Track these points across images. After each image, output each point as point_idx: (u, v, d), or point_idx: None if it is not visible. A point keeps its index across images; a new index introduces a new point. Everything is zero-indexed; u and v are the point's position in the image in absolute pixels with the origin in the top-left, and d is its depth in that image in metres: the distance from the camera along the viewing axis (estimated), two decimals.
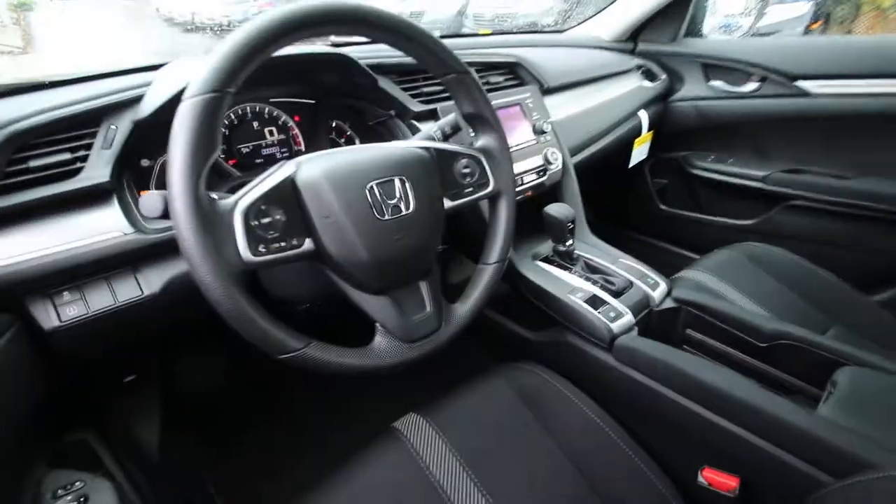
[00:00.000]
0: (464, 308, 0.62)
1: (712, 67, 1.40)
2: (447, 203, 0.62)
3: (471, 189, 0.64)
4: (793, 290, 1.02)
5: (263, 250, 0.46)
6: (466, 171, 0.63)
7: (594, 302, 0.84)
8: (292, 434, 1.15)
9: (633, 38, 1.51)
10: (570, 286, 0.87)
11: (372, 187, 0.52)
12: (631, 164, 1.44)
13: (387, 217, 0.53)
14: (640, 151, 1.44)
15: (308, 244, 0.50)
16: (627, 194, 1.67)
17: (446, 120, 0.71)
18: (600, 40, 1.50)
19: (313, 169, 0.50)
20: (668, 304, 0.89)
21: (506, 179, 0.66)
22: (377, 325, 0.55)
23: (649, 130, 1.42)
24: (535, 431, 0.71)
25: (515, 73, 1.06)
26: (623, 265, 0.94)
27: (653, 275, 0.92)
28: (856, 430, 0.57)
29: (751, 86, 1.34)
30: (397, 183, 0.54)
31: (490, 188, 0.65)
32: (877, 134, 1.20)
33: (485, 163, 0.64)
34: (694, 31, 1.49)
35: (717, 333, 0.84)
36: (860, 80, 1.16)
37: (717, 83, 1.40)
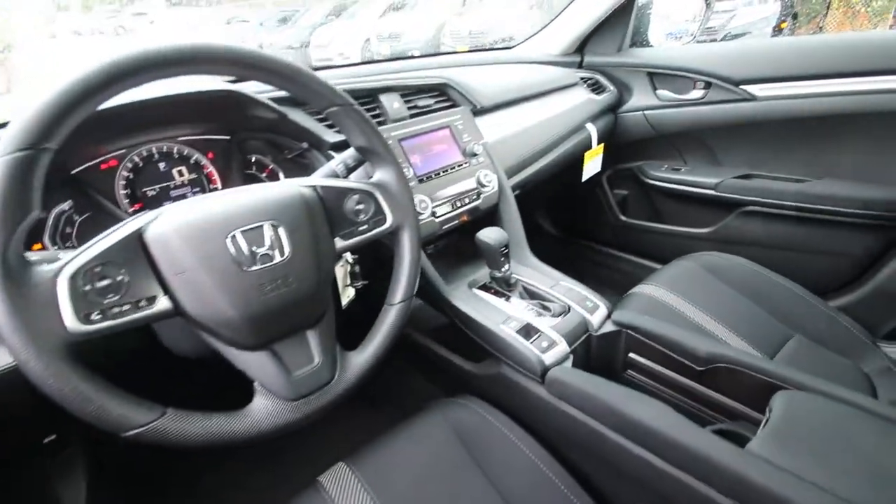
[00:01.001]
0: (362, 356, 0.57)
1: (658, 76, 1.39)
2: (339, 243, 0.58)
3: (366, 226, 0.60)
4: (751, 299, 1.00)
5: (98, 317, 0.41)
6: (359, 207, 0.59)
7: (527, 331, 0.80)
8: (218, 493, 1.09)
9: (580, 50, 1.50)
10: (505, 315, 0.83)
11: (235, 236, 0.48)
12: (584, 178, 1.42)
13: (255, 268, 0.48)
14: (592, 165, 1.42)
15: (163, 302, 0.46)
16: (588, 207, 1.65)
17: (348, 152, 0.68)
18: (548, 55, 1.49)
19: (164, 223, 0.46)
20: (609, 327, 0.85)
21: (405, 213, 0.62)
22: (255, 384, 0.50)
23: (600, 143, 1.40)
24: (469, 473, 0.67)
25: (446, 94, 1.04)
26: (563, 288, 0.90)
27: (593, 297, 0.89)
28: (788, 464, 0.54)
29: (697, 93, 1.32)
30: (267, 229, 0.50)
31: (388, 224, 0.61)
32: (824, 135, 1.19)
33: (380, 197, 0.61)
34: (639, 41, 1.48)
35: (659, 357, 0.80)
36: (804, 81, 1.15)
37: (664, 92, 1.38)
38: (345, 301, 0.78)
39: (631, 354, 0.85)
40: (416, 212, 0.64)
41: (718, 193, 1.30)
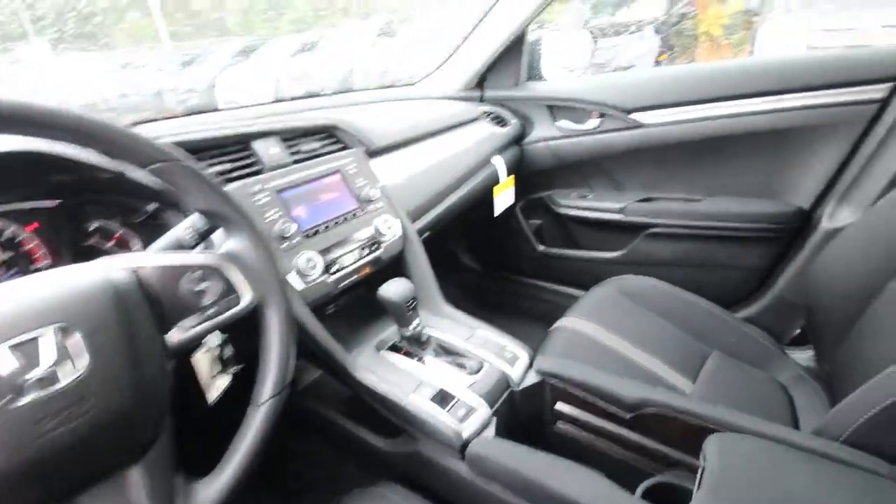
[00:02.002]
0: (213, 488, 0.44)
1: (556, 108, 1.41)
2: (175, 337, 0.45)
3: (213, 310, 0.47)
4: (668, 320, 0.99)
5: None
6: (202, 287, 0.47)
7: (443, 398, 0.70)
8: None
9: (480, 85, 1.49)
10: (417, 380, 0.73)
11: None
12: (497, 213, 1.38)
13: (24, 400, 0.34)
14: (503, 198, 1.39)
15: None
16: (507, 239, 1.62)
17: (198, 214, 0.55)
18: (449, 90, 1.47)
19: None
20: (532, 378, 0.78)
21: (267, 287, 0.51)
22: None
23: (509, 175, 1.38)
24: None
25: (335, 137, 0.94)
26: (480, 339, 0.82)
27: (512, 346, 0.81)
28: None
29: (593, 122, 1.35)
30: (48, 339, 0.36)
31: (244, 303, 0.49)
32: (711, 155, 1.25)
33: (230, 271, 0.49)
34: (534, 75, 1.50)
35: (586, 406, 0.74)
36: (683, 107, 1.21)
37: (564, 122, 1.40)
38: (214, 395, 0.63)
39: (558, 405, 0.78)
40: (282, 284, 0.53)
41: (625, 217, 1.32)
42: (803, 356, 1.13)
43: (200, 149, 0.75)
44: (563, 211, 1.45)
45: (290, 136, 0.87)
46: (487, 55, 1.39)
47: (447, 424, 0.65)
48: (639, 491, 0.63)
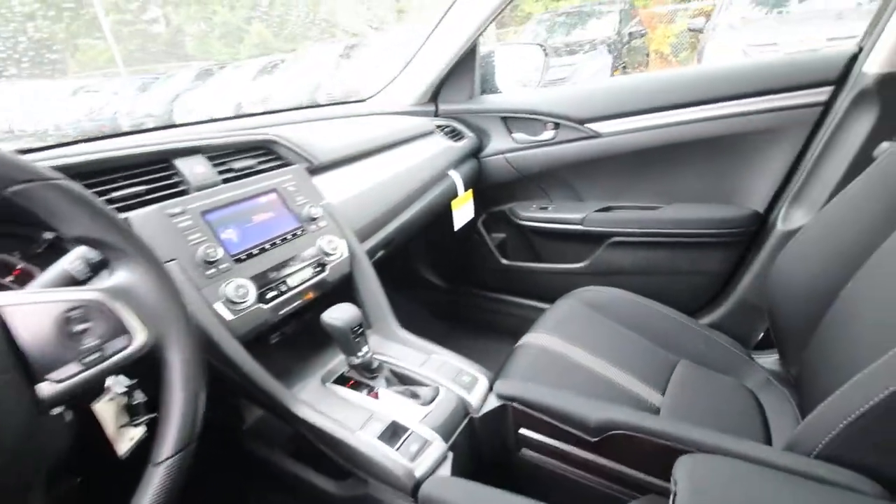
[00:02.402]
0: None
1: (511, 120, 1.39)
2: (46, 390, 0.37)
3: (96, 354, 0.40)
4: (634, 330, 0.96)
5: None
6: (83, 327, 0.39)
7: (394, 432, 0.63)
8: None
9: (434, 99, 1.46)
10: (367, 413, 0.66)
11: None
12: (457, 227, 1.34)
13: None
14: (463, 212, 1.35)
15: None
16: (470, 253, 1.57)
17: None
18: (402, 105, 1.43)
19: None
20: (492, 403, 0.72)
21: (167, 323, 0.43)
22: None
23: (467, 189, 1.35)
24: None
25: (273, 153, 0.88)
26: (435, 363, 0.76)
27: (470, 369, 0.76)
28: None
29: (548, 133, 1.34)
30: None
31: (136, 344, 0.42)
32: (666, 163, 1.25)
33: (117, 307, 0.41)
34: (489, 88, 1.49)
35: (551, 430, 0.68)
36: (637, 115, 1.21)
37: (520, 134, 1.39)
38: (124, 449, 0.54)
39: (522, 431, 0.72)
40: (186, 319, 0.45)
41: (586, 228, 1.31)
42: (769, 360, 1.11)
43: (111, 169, 0.68)
44: (524, 223, 1.42)
45: (219, 154, 0.80)
46: (439, 69, 1.37)
47: (397, 463, 0.59)
48: None
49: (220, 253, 0.66)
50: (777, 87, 1.04)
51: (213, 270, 0.65)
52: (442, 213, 1.30)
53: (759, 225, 1.14)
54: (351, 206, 0.92)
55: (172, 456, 0.41)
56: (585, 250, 1.35)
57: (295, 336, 0.86)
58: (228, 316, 0.65)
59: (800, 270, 0.79)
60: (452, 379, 0.73)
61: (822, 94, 1.01)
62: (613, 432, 0.62)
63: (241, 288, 0.66)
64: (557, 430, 0.67)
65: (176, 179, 0.73)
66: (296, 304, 0.75)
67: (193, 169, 0.74)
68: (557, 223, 1.35)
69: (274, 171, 0.83)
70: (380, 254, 1.08)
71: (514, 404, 0.71)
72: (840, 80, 0.99)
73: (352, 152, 1.01)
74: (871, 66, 0.89)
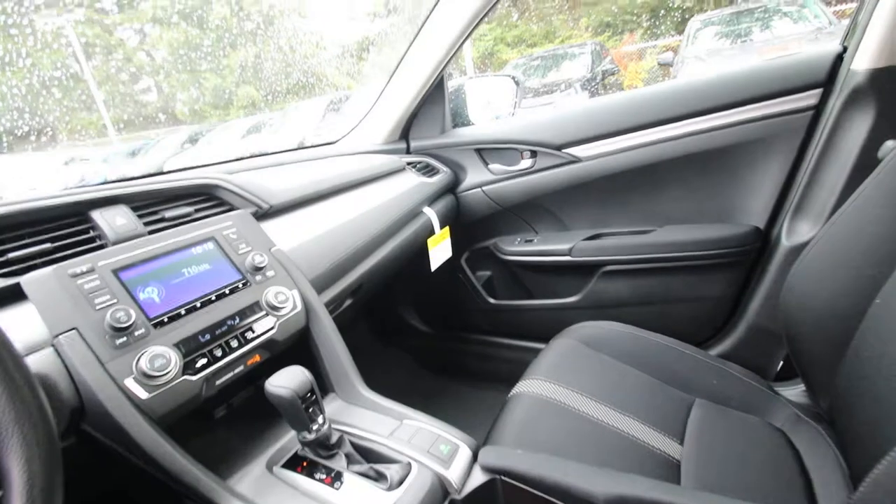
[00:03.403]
0: None
1: (486, 151, 1.33)
2: None
3: None
4: (639, 368, 0.85)
5: None
6: None
7: None
8: None
9: (405, 137, 1.40)
10: None
11: None
12: (434, 267, 1.23)
13: None
14: (440, 251, 1.25)
15: None
16: (455, 295, 1.46)
17: None
18: (373, 144, 1.36)
19: None
20: (478, 478, 0.59)
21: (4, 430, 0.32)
22: None
23: (444, 226, 1.25)
24: None
25: (216, 198, 0.79)
26: (408, 431, 0.63)
27: (449, 435, 0.63)
28: None
29: (526, 162, 1.27)
30: None
31: None
32: (652, 184, 1.17)
33: None
34: (461, 122, 1.44)
35: None
36: (617, 136, 1.14)
37: (496, 166, 1.32)
38: None
39: None
40: (32, 422, 0.33)
41: (574, 258, 1.21)
42: (794, 392, 0.99)
43: (13, 225, 0.58)
44: (510, 258, 1.32)
45: (147, 203, 0.70)
46: (407, 104, 1.31)
47: None
48: None
49: (133, 316, 0.55)
50: (762, 94, 0.98)
51: (123, 339, 0.54)
52: (418, 253, 1.20)
53: (761, 242, 1.04)
54: (307, 252, 0.82)
55: None
56: (577, 283, 1.25)
57: (246, 408, 0.73)
58: (143, 394, 0.53)
59: (816, 289, 0.69)
60: (427, 451, 0.60)
61: (811, 97, 0.94)
62: None
63: (159, 358, 0.54)
64: None
65: (92, 234, 0.63)
66: (237, 370, 0.63)
67: (114, 221, 0.64)
68: (545, 255, 1.26)
69: (214, 218, 0.73)
70: (347, 302, 0.97)
71: (504, 478, 0.58)
72: (828, 82, 0.92)
73: (310, 192, 0.92)
74: (861, 63, 0.83)
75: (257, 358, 0.66)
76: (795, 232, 0.97)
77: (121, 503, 0.69)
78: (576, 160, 1.19)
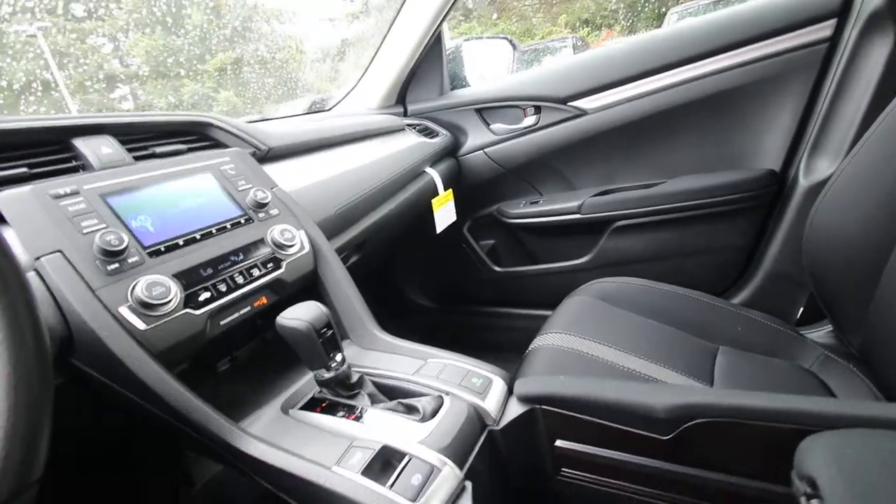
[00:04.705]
0: None
1: (487, 111, 1.28)
2: None
3: None
4: (659, 319, 0.80)
5: None
6: None
7: (385, 464, 0.44)
8: None
9: (402, 102, 1.35)
10: (345, 440, 0.47)
11: None
12: (439, 229, 1.18)
13: None
14: (444, 213, 1.20)
15: None
16: (458, 266, 1.41)
17: None
18: (369, 110, 1.31)
19: None
20: (515, 409, 0.54)
21: None
22: None
23: (447, 189, 1.20)
24: None
25: (210, 139, 0.72)
26: (435, 367, 0.58)
27: (481, 369, 0.58)
28: None
29: (529, 119, 1.22)
30: None
31: None
32: (660, 133, 1.14)
33: None
34: (458, 83, 1.39)
35: (600, 436, 0.50)
36: (623, 85, 1.11)
37: (498, 125, 1.27)
38: None
39: (559, 443, 0.53)
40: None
41: (584, 216, 1.16)
42: (820, 334, 0.96)
43: None
44: (515, 222, 1.27)
45: (135, 137, 0.64)
46: (403, 67, 1.26)
47: (394, 501, 0.39)
48: None
49: (126, 240, 0.48)
50: (772, 28, 0.95)
51: (115, 265, 0.48)
52: (422, 215, 1.14)
53: (777, 185, 1.01)
54: (311, 196, 0.76)
55: None
56: (588, 242, 1.21)
57: (251, 362, 0.67)
58: (140, 325, 0.46)
59: (843, 222, 0.66)
60: (458, 384, 0.55)
61: (824, 28, 0.92)
62: (696, 421, 0.44)
63: (157, 286, 0.48)
64: (610, 434, 0.49)
65: (74, 164, 0.57)
66: (243, 311, 0.57)
67: (98, 150, 0.58)
68: (552, 216, 1.21)
69: (209, 152, 0.67)
70: (353, 259, 0.91)
71: (546, 406, 0.52)
72: (843, 11, 0.90)
73: (311, 139, 0.86)
74: None
75: (264, 300, 0.60)
76: (814, 170, 0.95)
77: (114, 465, 0.62)
78: (582, 113, 1.15)
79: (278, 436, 0.50)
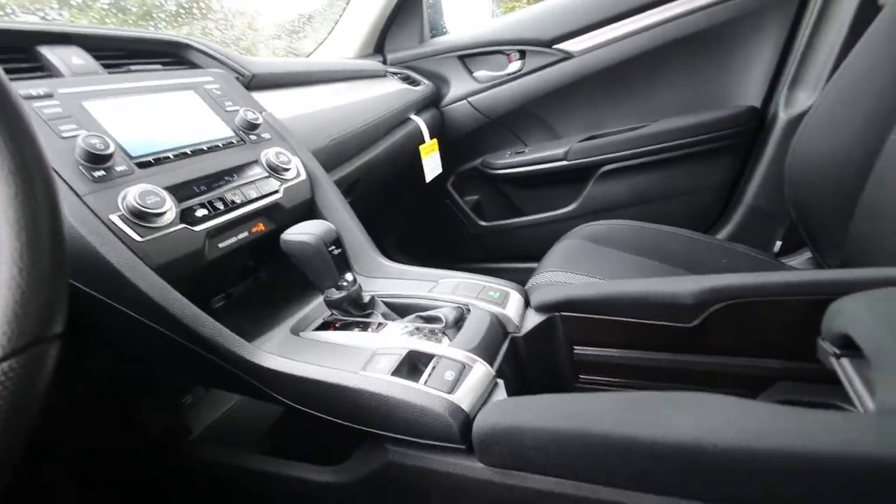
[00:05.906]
0: None
1: (470, 58, 1.25)
2: None
3: None
4: (649, 257, 0.82)
5: None
6: None
7: (413, 366, 0.42)
8: None
9: (380, 50, 1.29)
10: (367, 351, 0.45)
11: None
12: (428, 179, 1.16)
13: None
14: (431, 162, 1.17)
15: None
16: (442, 223, 1.39)
17: None
18: (346, 59, 1.25)
19: None
20: (534, 319, 0.53)
21: None
22: None
23: (432, 138, 1.17)
24: None
25: (188, 62, 0.67)
26: (449, 285, 0.56)
27: (497, 284, 0.57)
28: None
29: (514, 65, 1.20)
30: None
31: None
32: (645, 75, 1.14)
33: None
34: (439, 31, 1.35)
35: (622, 336, 0.50)
36: (610, 24, 1.10)
37: (482, 73, 1.24)
38: None
39: (578, 349, 0.53)
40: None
41: (570, 162, 1.16)
42: (798, 261, 1.01)
43: None
44: (499, 173, 1.26)
45: (108, 53, 0.58)
46: (379, 11, 1.21)
47: (433, 395, 0.38)
48: None
49: (112, 146, 0.44)
50: None
51: (101, 172, 0.43)
52: (409, 165, 1.11)
53: (758, 120, 1.04)
54: (302, 124, 0.72)
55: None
56: (574, 190, 1.21)
57: (246, 300, 0.63)
58: (135, 236, 0.42)
59: (821, 150, 0.68)
60: (476, 297, 0.53)
61: None
62: (723, 304, 0.44)
63: (151, 195, 0.44)
64: (631, 330, 0.49)
65: (42, 74, 0.51)
66: (241, 236, 0.53)
67: (69, 59, 0.52)
68: (538, 164, 1.21)
69: (190, 71, 0.62)
70: (347, 200, 0.87)
71: (564, 313, 0.52)
72: None
73: (295, 70, 0.81)
74: None
75: (261, 227, 0.57)
76: (793, 103, 0.98)
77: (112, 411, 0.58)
78: (568, 56, 1.14)
79: (293, 354, 0.47)
